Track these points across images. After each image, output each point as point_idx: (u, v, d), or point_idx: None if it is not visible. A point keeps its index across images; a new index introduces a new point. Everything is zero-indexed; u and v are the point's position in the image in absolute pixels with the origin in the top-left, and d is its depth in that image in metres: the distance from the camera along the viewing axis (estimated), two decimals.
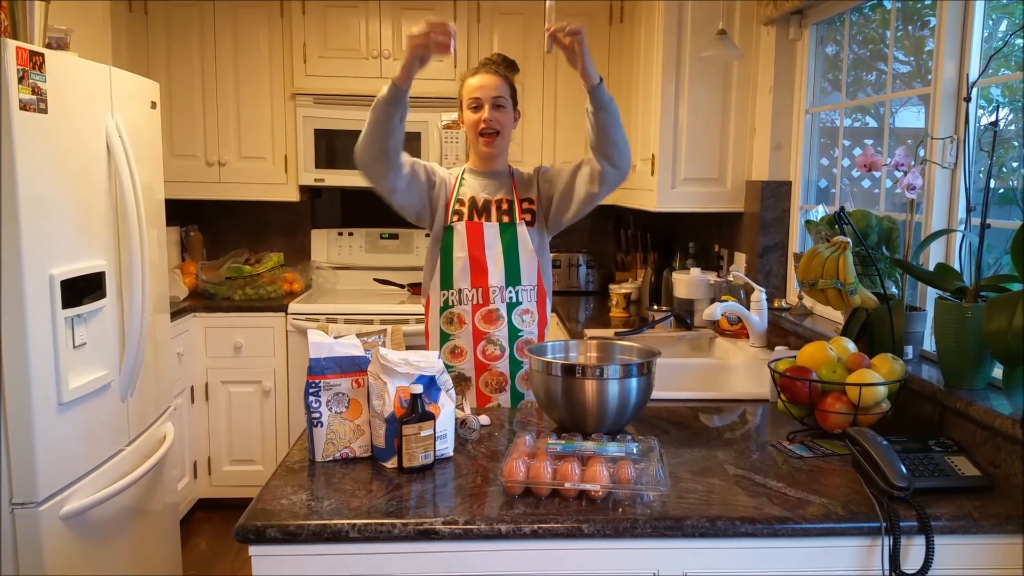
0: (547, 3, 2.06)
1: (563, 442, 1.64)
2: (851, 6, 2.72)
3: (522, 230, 2.34)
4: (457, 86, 4.04)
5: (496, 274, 2.31)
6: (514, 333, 2.32)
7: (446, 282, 2.33)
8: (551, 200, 2.37)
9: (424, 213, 2.34)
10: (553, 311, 3.46)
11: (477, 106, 2.30)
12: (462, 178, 2.38)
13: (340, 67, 3.99)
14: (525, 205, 2.37)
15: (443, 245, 2.33)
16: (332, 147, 3.99)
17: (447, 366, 2.30)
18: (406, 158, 2.26)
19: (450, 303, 2.33)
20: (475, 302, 2.31)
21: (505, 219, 2.34)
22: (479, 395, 2.32)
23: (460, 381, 2.31)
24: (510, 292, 2.32)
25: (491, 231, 2.32)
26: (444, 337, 2.34)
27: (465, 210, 2.33)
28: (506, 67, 2.37)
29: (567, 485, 1.48)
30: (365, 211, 4.47)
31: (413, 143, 3.98)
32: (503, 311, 2.32)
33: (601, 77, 2.15)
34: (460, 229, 2.31)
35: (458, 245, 2.31)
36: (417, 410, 1.61)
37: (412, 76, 2.08)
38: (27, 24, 2.39)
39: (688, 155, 3.28)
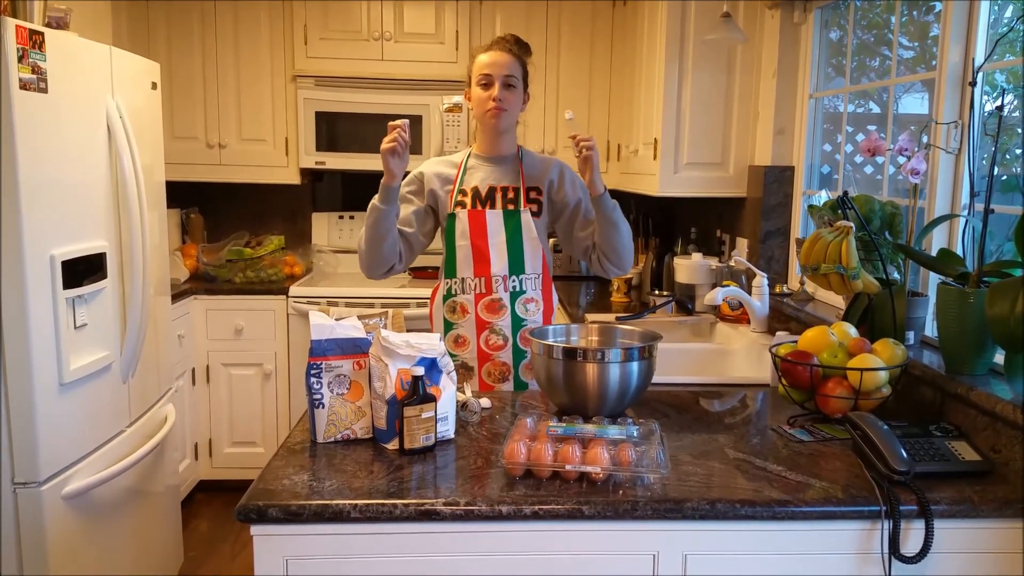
0: (567, 114, 2.27)
1: (564, 425, 1.64)
2: None
3: (526, 217, 2.29)
4: (458, 69, 4.05)
5: (499, 263, 2.27)
6: (517, 322, 2.29)
7: (449, 270, 2.30)
8: (559, 214, 2.36)
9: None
10: None
11: (487, 83, 2.24)
12: (466, 164, 2.34)
13: (341, 49, 3.96)
14: (532, 195, 2.33)
15: (446, 233, 2.30)
16: (333, 130, 3.97)
17: (451, 355, 2.27)
18: (409, 232, 2.28)
19: (453, 292, 2.30)
20: (478, 291, 2.28)
21: (510, 207, 2.30)
22: (482, 385, 2.31)
23: (463, 371, 2.29)
24: (513, 281, 2.29)
25: (494, 219, 2.28)
26: (447, 326, 2.32)
27: (468, 199, 2.29)
28: (519, 47, 2.32)
29: (568, 467, 1.48)
30: (366, 194, 4.37)
31: (414, 127, 3.97)
32: (506, 300, 2.29)
33: (606, 188, 2.22)
34: (462, 217, 2.28)
35: (459, 233, 2.28)
36: (418, 392, 1.61)
37: (396, 173, 2.13)
38: (27, 3, 2.38)
39: (691, 140, 3.27)
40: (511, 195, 2.31)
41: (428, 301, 3.69)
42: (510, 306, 2.29)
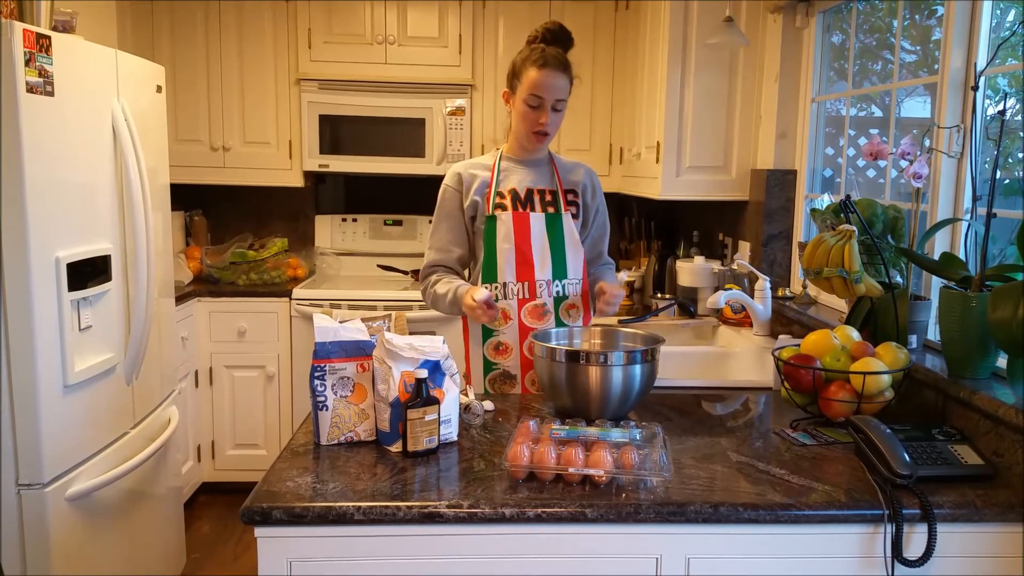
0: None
1: (567, 427, 1.65)
2: None
3: (568, 221, 2.23)
4: (461, 72, 4.05)
5: (543, 267, 2.20)
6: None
7: (489, 274, 2.21)
8: (585, 219, 2.31)
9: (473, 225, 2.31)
10: None
11: (538, 105, 2.14)
12: (500, 166, 2.26)
13: (345, 52, 3.97)
14: (570, 197, 2.26)
15: (486, 235, 2.20)
16: (337, 133, 3.98)
17: (491, 363, 2.22)
18: (464, 254, 2.29)
19: (494, 297, 2.19)
20: (521, 296, 2.20)
21: (550, 210, 2.23)
22: (524, 391, 2.23)
23: (506, 379, 2.23)
24: (557, 286, 2.21)
25: (537, 222, 2.20)
26: (487, 333, 2.22)
27: (507, 202, 2.21)
28: (566, 49, 2.21)
29: (571, 470, 1.49)
30: (369, 197, 4.47)
31: (416, 129, 3.98)
32: (551, 306, 2.21)
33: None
34: (505, 219, 2.19)
35: (502, 236, 2.19)
36: (422, 395, 1.62)
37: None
38: (33, 7, 2.39)
39: (693, 143, 3.27)
40: (549, 198, 2.24)
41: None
42: (554, 312, 2.22)
